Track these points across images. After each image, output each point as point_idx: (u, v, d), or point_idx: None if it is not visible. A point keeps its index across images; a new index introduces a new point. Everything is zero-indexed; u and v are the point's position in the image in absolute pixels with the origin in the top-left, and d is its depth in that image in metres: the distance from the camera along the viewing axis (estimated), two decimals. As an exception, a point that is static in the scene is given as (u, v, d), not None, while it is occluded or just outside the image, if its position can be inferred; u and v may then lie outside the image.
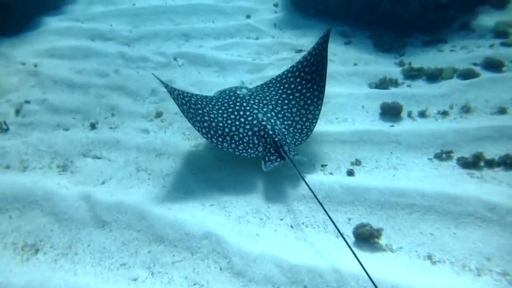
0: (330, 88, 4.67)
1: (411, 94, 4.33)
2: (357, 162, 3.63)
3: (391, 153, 3.73)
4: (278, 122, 3.54)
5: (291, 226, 3.18)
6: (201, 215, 3.25)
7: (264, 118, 3.52)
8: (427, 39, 5.32)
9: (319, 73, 3.60)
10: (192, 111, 3.43)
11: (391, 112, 4.09)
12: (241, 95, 3.72)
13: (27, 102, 4.60)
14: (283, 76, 3.83)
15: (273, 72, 5.12)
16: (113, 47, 5.64)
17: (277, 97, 3.72)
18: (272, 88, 3.83)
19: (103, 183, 3.61)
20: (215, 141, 3.43)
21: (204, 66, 5.22)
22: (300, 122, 3.59)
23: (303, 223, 3.21)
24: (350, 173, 3.56)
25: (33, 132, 4.22)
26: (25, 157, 3.85)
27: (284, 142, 3.42)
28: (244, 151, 3.45)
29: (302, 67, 3.69)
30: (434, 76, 4.48)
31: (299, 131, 3.57)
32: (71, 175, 3.70)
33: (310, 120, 3.60)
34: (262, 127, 3.47)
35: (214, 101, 3.67)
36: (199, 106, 3.51)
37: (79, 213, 3.23)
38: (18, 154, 3.87)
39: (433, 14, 5.22)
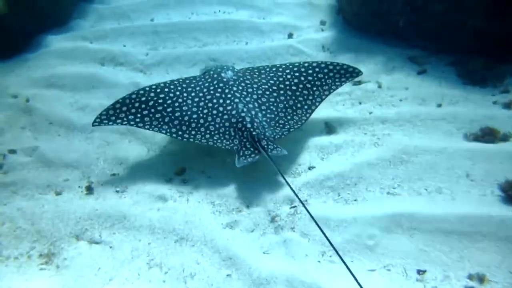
0: (409, 139, 3.45)
1: (537, 155, 3.08)
2: (479, 275, 2.41)
3: (527, 256, 2.49)
4: (259, 115, 3.27)
5: None
6: None
7: (244, 109, 3.23)
8: (534, 69, 4.04)
9: (321, 91, 3.44)
10: (158, 115, 3.20)
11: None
12: (225, 79, 3.41)
13: (13, 151, 3.58)
14: (280, 69, 3.54)
15: (325, 112, 3.95)
16: (125, 75, 4.59)
17: (266, 86, 3.44)
18: (264, 75, 3.52)
19: (98, 290, 2.52)
20: (187, 136, 3.18)
21: (237, 102, 4.11)
22: (284, 118, 3.33)
23: None
24: (469, 292, 2.35)
25: (14, 197, 3.18)
26: (-3, 240, 2.82)
27: (262, 136, 3.13)
28: (219, 141, 3.17)
29: (305, 73, 3.49)
30: None
31: (281, 125, 3.29)
32: (56, 271, 2.61)
33: (294, 120, 3.34)
34: (240, 119, 3.19)
35: (191, 86, 3.39)
36: (168, 103, 3.24)
37: None
38: (-12, 235, 2.84)
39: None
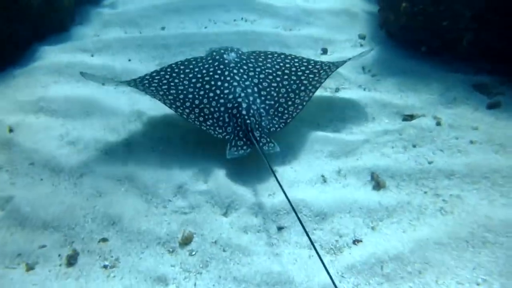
0: (489, 207, 2.59)
1: None
2: None
3: None
4: (258, 101, 3.12)
5: None
6: None
7: (242, 94, 3.10)
8: None
9: (327, 71, 3.30)
10: (155, 84, 3.15)
11: None
12: (226, 61, 3.30)
13: (-19, 203, 2.91)
14: (290, 57, 3.44)
15: (370, 158, 3.14)
16: (127, 99, 3.83)
17: (270, 70, 3.31)
18: (270, 60, 3.41)
19: None
20: (181, 111, 3.05)
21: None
22: (284, 104, 3.16)
23: None
24: None
25: (-27, 271, 2.51)
26: None
27: (256, 126, 2.98)
28: (211, 127, 3.03)
29: (314, 62, 3.41)
30: None
31: (279, 114, 3.12)
32: None
33: (295, 105, 3.14)
34: (236, 105, 3.05)
35: (189, 68, 3.31)
36: (164, 82, 3.18)
37: None
38: None
39: None
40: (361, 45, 4.52)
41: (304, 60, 3.41)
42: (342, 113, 3.59)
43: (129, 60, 4.52)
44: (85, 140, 3.38)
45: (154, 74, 3.24)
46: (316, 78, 3.22)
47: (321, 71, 3.28)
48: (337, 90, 3.92)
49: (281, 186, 2.50)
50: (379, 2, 4.73)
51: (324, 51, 4.47)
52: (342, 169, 3.06)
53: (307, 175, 3.03)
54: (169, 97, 3.06)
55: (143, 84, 3.14)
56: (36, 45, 4.65)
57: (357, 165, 3.08)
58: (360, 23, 4.81)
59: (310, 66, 3.33)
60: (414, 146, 3.22)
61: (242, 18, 5.14)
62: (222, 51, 3.40)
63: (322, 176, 3.02)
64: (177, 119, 3.47)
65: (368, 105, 3.64)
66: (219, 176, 3.00)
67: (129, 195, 2.93)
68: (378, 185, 2.91)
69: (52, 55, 4.50)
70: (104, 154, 3.28)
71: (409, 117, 3.51)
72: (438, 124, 3.37)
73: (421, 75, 3.91)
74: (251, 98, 3.06)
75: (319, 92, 3.84)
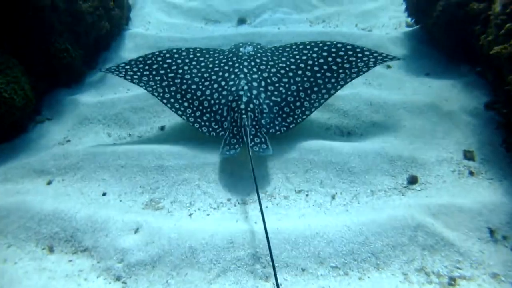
0: None
1: None
2: None
3: None
4: (262, 95, 2.91)
5: None
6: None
7: (245, 87, 2.91)
8: None
9: (347, 74, 2.91)
10: (158, 78, 3.13)
11: None
12: (240, 53, 3.18)
13: None
14: (308, 46, 3.13)
15: None
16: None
17: (283, 65, 3.07)
18: (286, 53, 3.16)
19: None
20: (177, 106, 2.99)
21: None
22: (291, 105, 2.90)
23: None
24: None
25: None
26: None
27: (253, 123, 2.78)
28: (206, 123, 2.89)
29: (335, 53, 3.00)
30: None
31: (282, 116, 2.88)
32: None
33: (302, 109, 2.88)
34: (236, 97, 2.87)
35: (205, 56, 3.23)
36: (172, 68, 3.16)
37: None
38: None
39: None
40: (471, 174, 2.78)
41: (325, 49, 3.03)
42: None
43: (104, 194, 2.91)
44: None
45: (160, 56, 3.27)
46: (333, 81, 2.91)
47: (341, 72, 2.92)
48: (451, 283, 2.17)
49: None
50: (499, 107, 3.00)
51: (412, 181, 2.75)
52: None
53: None
54: (172, 88, 3.06)
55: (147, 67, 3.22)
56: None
57: None
58: (461, 129, 3.09)
59: (329, 59, 2.98)
60: None
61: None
62: (240, 44, 3.31)
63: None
64: None
65: None
66: None
67: None
68: None
69: (-15, 191, 2.97)
70: None
71: None
72: None
73: None
74: (254, 92, 2.90)
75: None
